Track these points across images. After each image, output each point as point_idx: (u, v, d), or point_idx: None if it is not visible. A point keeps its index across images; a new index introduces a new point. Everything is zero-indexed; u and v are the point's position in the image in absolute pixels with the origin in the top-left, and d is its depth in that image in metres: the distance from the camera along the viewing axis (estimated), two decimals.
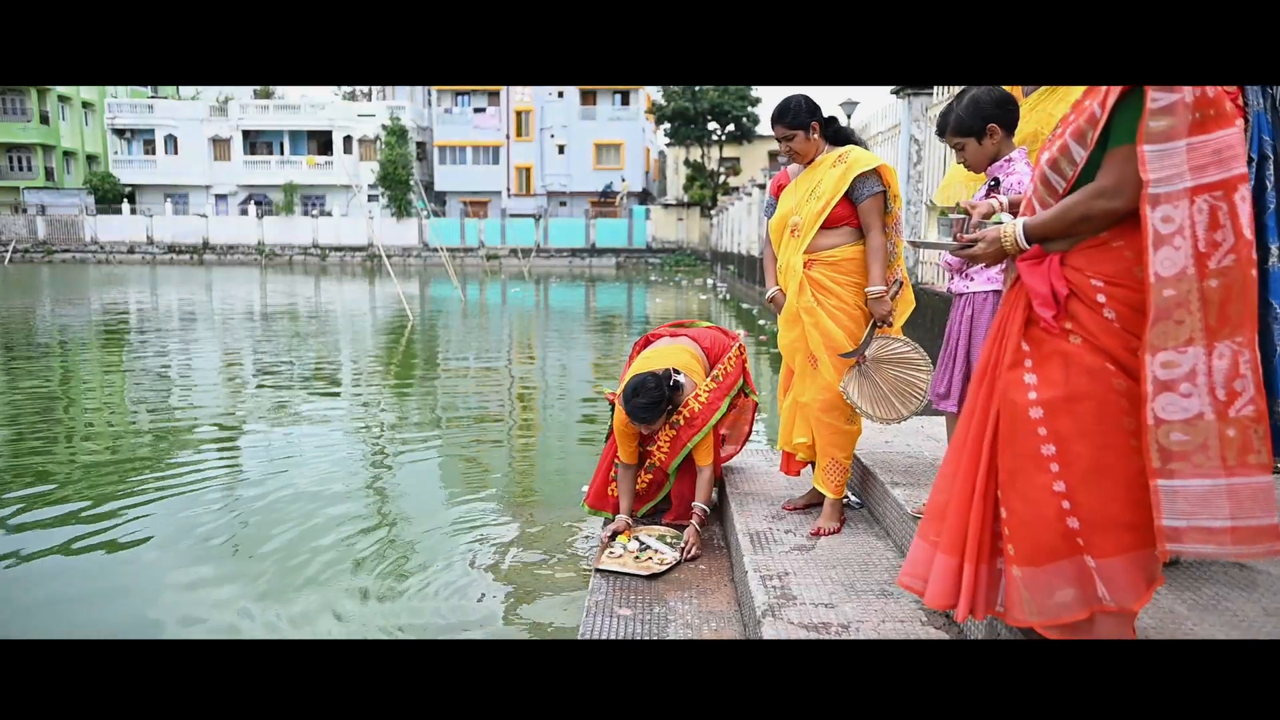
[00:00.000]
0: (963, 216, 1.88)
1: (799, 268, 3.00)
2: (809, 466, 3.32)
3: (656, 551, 3.29)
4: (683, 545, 3.26)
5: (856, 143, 3.06)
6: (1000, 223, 1.82)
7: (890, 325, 2.97)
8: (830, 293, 2.99)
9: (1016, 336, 1.73)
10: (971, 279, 2.52)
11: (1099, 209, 1.58)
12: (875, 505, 3.22)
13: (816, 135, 2.99)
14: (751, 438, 4.07)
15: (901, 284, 3.00)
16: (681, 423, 3.43)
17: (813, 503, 3.36)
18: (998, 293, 2.43)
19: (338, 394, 7.98)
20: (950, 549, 1.81)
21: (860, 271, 3.00)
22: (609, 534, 3.43)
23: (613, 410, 3.56)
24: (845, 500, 3.27)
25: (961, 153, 2.42)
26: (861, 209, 2.95)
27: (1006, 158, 2.37)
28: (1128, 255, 1.58)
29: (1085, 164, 1.62)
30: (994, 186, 2.35)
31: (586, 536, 3.98)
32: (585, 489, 3.81)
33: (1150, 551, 1.60)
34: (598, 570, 3.17)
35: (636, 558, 3.25)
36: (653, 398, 3.27)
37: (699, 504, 3.42)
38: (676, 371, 3.43)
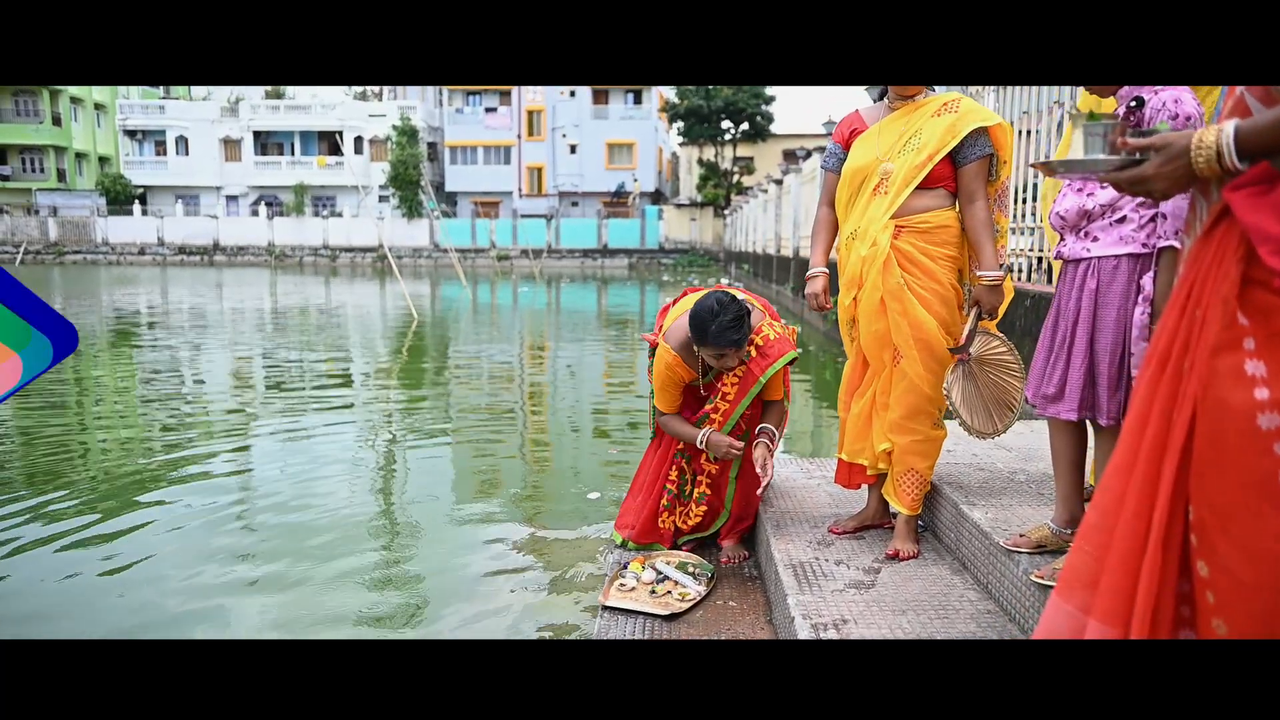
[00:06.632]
0: (1120, 121, 1.27)
1: (885, 241, 2.44)
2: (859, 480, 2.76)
3: (676, 584, 2.72)
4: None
5: None
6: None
7: (995, 317, 2.43)
8: (921, 270, 2.44)
9: (1227, 305, 1.15)
10: (1095, 238, 1.88)
11: None
12: (945, 530, 2.64)
13: None
14: (786, 447, 3.49)
15: (1009, 269, 2.45)
16: (753, 353, 2.82)
17: (865, 525, 2.79)
18: (1133, 257, 1.82)
19: (339, 393, 7.56)
20: (1109, 617, 1.23)
21: (954, 243, 2.46)
22: None
23: (651, 360, 3.00)
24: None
25: None
26: (965, 172, 2.41)
27: None
28: None
29: None
30: (1135, 108, 1.76)
31: (600, 547, 3.42)
32: (595, 496, 3.25)
33: None
34: (605, 608, 2.62)
35: (652, 591, 2.69)
36: (736, 313, 2.63)
37: (768, 425, 2.89)
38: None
